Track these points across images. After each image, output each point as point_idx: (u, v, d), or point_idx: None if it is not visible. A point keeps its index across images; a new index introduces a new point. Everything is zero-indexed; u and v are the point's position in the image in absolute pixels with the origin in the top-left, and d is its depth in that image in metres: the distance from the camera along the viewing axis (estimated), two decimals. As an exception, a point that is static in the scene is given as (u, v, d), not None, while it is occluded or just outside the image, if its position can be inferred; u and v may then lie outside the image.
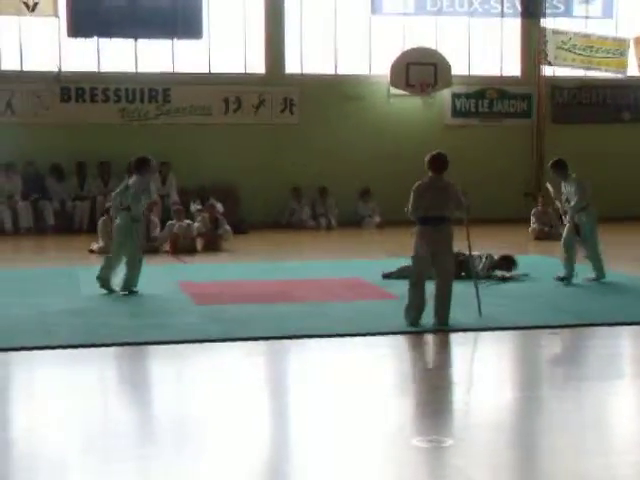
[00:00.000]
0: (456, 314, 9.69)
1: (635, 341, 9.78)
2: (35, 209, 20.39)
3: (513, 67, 23.42)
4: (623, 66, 23.49)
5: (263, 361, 8.81)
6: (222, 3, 21.87)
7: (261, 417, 6.83)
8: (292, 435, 6.47)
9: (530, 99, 23.32)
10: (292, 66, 22.22)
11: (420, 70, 21.90)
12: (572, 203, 12.69)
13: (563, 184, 12.91)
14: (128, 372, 8.42)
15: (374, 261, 14.88)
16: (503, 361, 9.10)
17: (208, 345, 8.97)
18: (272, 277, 13.37)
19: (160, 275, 13.33)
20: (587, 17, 23.54)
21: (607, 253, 13.04)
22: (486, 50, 23.14)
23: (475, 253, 11.95)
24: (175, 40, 21.48)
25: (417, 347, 9.38)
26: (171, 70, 21.72)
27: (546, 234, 18.37)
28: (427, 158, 9.76)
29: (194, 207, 19.68)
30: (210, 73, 21.88)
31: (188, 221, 17.25)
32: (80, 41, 21.15)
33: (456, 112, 23.05)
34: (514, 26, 23.18)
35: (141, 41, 21.49)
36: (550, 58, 22.92)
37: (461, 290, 10.09)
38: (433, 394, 7.33)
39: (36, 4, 20.45)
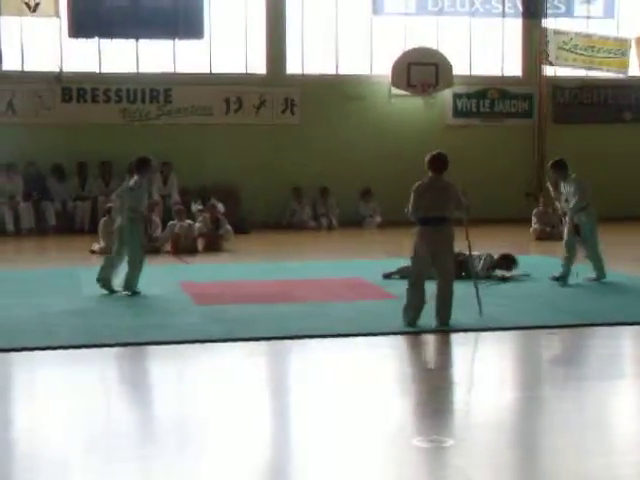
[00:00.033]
0: (457, 314, 9.69)
1: (635, 341, 9.78)
2: (36, 209, 20.40)
3: (514, 67, 23.42)
4: (624, 66, 23.50)
5: (264, 361, 8.82)
6: (223, 3, 21.88)
7: (262, 417, 6.84)
8: (293, 435, 6.48)
9: (531, 99, 23.32)
10: (293, 66, 22.23)
11: (421, 70, 21.90)
12: (571, 204, 12.69)
13: (562, 184, 12.91)
14: (129, 372, 8.43)
15: (375, 261, 14.88)
16: (504, 361, 9.11)
17: (209, 345, 8.98)
18: (273, 277, 13.38)
19: (161, 275, 13.33)
20: (588, 17, 23.55)
21: (607, 253, 13.04)
22: (487, 50, 23.14)
23: (475, 253, 11.95)
24: (176, 40, 21.50)
25: (418, 347, 9.39)
26: (172, 70, 21.73)
27: (547, 234, 18.36)
28: (427, 158, 9.75)
29: (195, 207, 19.70)
30: (211, 73, 21.89)
31: (189, 221, 17.27)
32: (81, 41, 21.17)
33: (457, 112, 23.06)
34: (515, 26, 23.18)
35: (142, 41, 21.51)
36: (551, 58, 22.93)
37: (461, 290, 10.09)
38: (434, 394, 7.33)
39: (37, 4, 20.47)
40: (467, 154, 20.91)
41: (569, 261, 12.56)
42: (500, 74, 23.33)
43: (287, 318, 10.16)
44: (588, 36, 23.27)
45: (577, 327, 9.87)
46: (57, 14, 20.68)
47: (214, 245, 16.95)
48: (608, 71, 23.61)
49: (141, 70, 21.54)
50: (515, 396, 7.50)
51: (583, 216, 12.67)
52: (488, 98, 23.17)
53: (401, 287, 10.03)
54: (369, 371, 8.21)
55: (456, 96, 22.92)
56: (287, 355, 8.99)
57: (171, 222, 17.15)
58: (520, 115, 23.36)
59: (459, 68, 22.50)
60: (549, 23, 23.02)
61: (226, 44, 21.92)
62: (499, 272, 12.95)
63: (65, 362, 8.50)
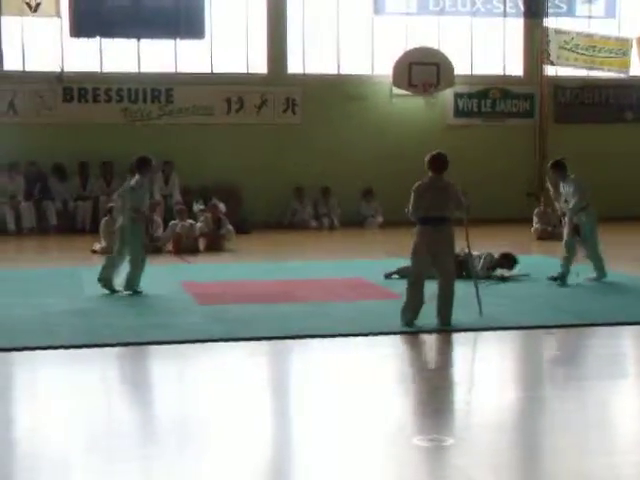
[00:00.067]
0: (457, 314, 9.69)
1: (636, 341, 9.79)
2: (38, 209, 20.42)
3: (516, 67, 23.42)
4: (626, 66, 23.51)
5: (266, 361, 8.83)
6: (224, 3, 21.88)
7: (264, 417, 6.84)
8: (294, 435, 6.49)
9: (533, 99, 23.32)
10: (294, 66, 22.23)
11: (422, 70, 21.91)
12: (571, 204, 12.69)
13: (562, 185, 12.91)
14: (130, 372, 8.44)
15: (376, 261, 14.89)
16: (504, 361, 9.11)
17: (211, 345, 8.98)
18: (274, 277, 13.39)
19: (163, 275, 13.34)
20: (590, 17, 23.54)
21: (607, 253, 13.04)
22: (488, 50, 23.14)
23: (475, 253, 11.95)
24: (178, 40, 21.50)
25: (418, 347, 9.40)
26: (174, 70, 21.74)
27: (549, 234, 18.34)
28: (427, 158, 9.75)
29: (197, 207, 19.71)
30: (212, 73, 21.90)
31: (191, 221, 17.28)
32: (82, 41, 21.18)
33: (458, 112, 23.05)
34: (517, 26, 23.18)
35: (143, 41, 21.51)
36: (553, 58, 22.92)
37: (461, 290, 10.09)
38: (434, 393, 7.34)
39: (38, 4, 20.48)
40: (468, 154, 20.92)
41: (568, 261, 12.56)
42: (501, 74, 23.33)
43: (288, 318, 10.17)
44: (589, 36, 23.27)
45: (577, 327, 9.87)
46: (58, 14, 20.69)
47: (215, 245, 16.96)
48: (609, 71, 23.61)
49: (142, 70, 21.55)
50: (515, 396, 7.50)
51: (583, 216, 12.67)
52: (489, 98, 23.17)
53: (402, 287, 10.03)
54: (370, 371, 8.22)
55: (457, 96, 22.92)
56: (288, 355, 8.99)
57: (172, 222, 17.17)
58: (521, 115, 23.36)
59: (460, 68, 22.50)
60: (550, 23, 23.02)
61: (227, 44, 21.92)
62: (499, 271, 12.95)
63: (66, 362, 8.51)
